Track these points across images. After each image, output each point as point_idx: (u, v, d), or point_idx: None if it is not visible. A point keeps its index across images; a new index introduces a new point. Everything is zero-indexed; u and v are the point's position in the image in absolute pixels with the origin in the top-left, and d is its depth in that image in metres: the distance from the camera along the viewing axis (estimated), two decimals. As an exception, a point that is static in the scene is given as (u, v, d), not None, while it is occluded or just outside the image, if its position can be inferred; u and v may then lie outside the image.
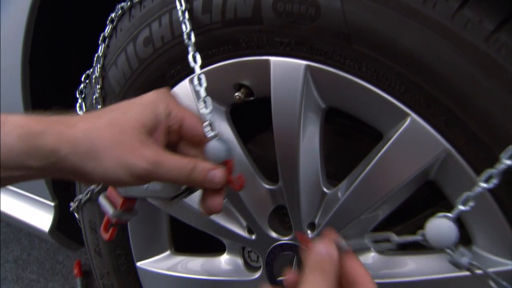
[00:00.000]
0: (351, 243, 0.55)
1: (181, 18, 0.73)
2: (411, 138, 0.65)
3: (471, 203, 0.53)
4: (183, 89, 0.83)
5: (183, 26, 0.73)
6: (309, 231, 0.81)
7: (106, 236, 0.77)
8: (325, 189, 0.78)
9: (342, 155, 0.88)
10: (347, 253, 0.54)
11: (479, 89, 0.58)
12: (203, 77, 0.67)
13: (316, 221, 0.80)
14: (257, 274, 0.92)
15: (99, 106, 0.94)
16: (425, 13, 0.58)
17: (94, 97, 0.94)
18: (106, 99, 0.94)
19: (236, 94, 0.78)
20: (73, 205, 1.07)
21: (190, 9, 0.75)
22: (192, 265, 1.03)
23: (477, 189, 0.53)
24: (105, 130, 0.57)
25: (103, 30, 0.91)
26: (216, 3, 0.73)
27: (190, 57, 0.70)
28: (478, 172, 0.61)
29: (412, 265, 0.74)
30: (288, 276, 0.57)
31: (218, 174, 0.61)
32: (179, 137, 0.65)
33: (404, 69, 0.62)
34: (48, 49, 1.09)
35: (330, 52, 0.67)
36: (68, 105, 0.98)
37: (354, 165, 0.76)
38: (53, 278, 1.89)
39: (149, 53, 0.83)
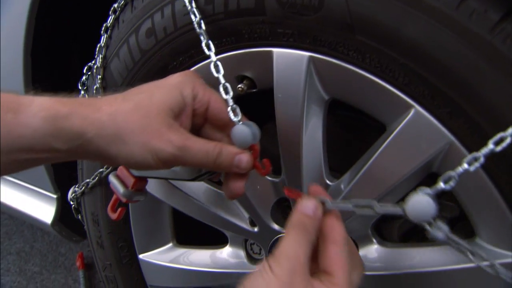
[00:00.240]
0: (336, 204, 0.57)
1: (189, 8, 0.72)
2: (415, 130, 0.65)
3: (452, 183, 0.53)
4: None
5: (192, 16, 0.72)
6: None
7: (114, 216, 0.76)
8: (328, 181, 0.78)
9: (345, 147, 0.88)
10: (330, 212, 0.57)
11: (483, 80, 0.58)
12: (219, 64, 0.67)
13: (319, 213, 0.80)
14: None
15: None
16: (430, 4, 0.58)
17: (95, 87, 0.93)
18: (107, 90, 0.93)
19: (239, 86, 0.78)
20: (70, 195, 1.06)
21: (195, -1, 0.74)
22: (194, 258, 1.03)
23: (459, 170, 0.53)
24: (131, 113, 0.57)
25: (105, 21, 0.91)
26: (219, -7, 0.72)
27: (203, 45, 0.69)
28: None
29: (416, 257, 0.74)
30: None
31: (244, 158, 0.61)
32: (204, 120, 0.64)
33: (408, 60, 0.62)
34: (50, 41, 1.09)
35: (333, 43, 0.66)
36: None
37: (357, 157, 0.76)
38: (56, 270, 1.89)
39: (152, 45, 0.83)
